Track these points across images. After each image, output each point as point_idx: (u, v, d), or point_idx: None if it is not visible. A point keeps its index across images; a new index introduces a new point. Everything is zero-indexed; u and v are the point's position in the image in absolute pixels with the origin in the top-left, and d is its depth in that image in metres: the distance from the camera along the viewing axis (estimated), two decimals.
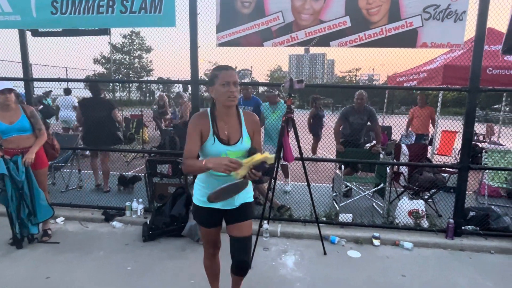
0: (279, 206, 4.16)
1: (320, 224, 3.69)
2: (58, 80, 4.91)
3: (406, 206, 3.87)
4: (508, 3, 3.22)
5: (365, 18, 3.32)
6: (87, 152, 7.23)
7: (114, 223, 3.83)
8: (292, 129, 3.17)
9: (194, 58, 3.59)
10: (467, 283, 2.80)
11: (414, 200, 3.95)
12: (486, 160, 4.72)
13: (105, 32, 4.39)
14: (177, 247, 3.34)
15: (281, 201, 4.38)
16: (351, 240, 3.52)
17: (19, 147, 3.18)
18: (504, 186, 4.60)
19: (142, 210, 3.96)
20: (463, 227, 3.57)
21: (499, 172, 4.61)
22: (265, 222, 3.59)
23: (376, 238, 3.46)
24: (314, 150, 7.72)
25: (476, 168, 3.70)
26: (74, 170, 5.32)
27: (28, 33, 4.11)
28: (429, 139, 7.05)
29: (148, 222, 3.61)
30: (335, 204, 4.49)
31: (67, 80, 8.34)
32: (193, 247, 3.36)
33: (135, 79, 34.67)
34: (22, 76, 4.09)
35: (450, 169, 4.44)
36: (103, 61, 33.38)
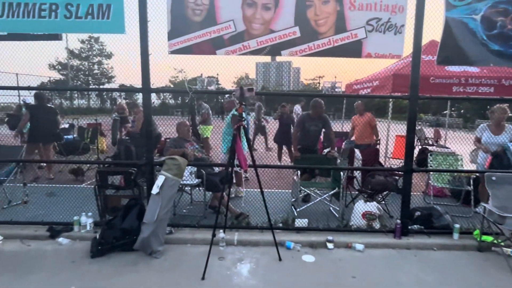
0: (238, 214, 4.15)
1: (277, 230, 3.74)
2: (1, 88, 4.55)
3: (360, 208, 4.02)
4: (440, 18, 3.50)
5: (314, 29, 3.45)
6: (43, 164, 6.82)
7: (61, 239, 3.59)
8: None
9: (145, 66, 3.51)
10: (409, 279, 2.96)
11: (368, 203, 4.11)
12: (431, 162, 5.06)
13: (56, 37, 4.19)
14: (129, 262, 3.19)
15: (240, 209, 4.37)
16: (306, 245, 3.58)
17: None
18: (447, 186, 4.94)
19: (91, 225, 3.76)
20: (409, 227, 3.78)
21: (443, 173, 4.95)
22: (221, 231, 3.55)
23: (330, 241, 3.55)
24: (279, 157, 7.81)
25: (419, 171, 3.95)
26: (18, 184, 4.94)
27: None
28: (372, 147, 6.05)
29: (97, 237, 3.43)
30: (293, 209, 4.56)
31: (10, 88, 7.75)
32: (146, 260, 3.23)
33: (98, 86, 33.17)
34: None
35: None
36: (59, 67, 31.61)
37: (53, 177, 6.22)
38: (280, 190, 5.45)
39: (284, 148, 7.67)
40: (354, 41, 3.46)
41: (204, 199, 4.35)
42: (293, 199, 4.86)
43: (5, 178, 4.80)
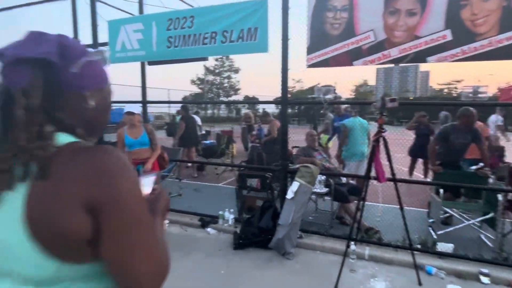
0: (367, 228, 4.00)
1: (414, 252, 3.43)
2: (167, 102, 5.80)
3: None
4: None
5: (470, 30, 3.06)
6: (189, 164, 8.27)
7: (209, 229, 4.24)
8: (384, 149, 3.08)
9: (284, 80, 3.82)
10: None
11: None
12: None
13: (205, 58, 5.00)
14: (265, 258, 3.51)
15: (369, 223, 4.20)
16: (452, 273, 3.16)
17: (140, 158, 3.85)
18: None
19: (232, 220, 4.29)
20: None
21: None
22: (352, 243, 3.50)
23: (485, 275, 3.03)
24: (411, 171, 7.13)
25: None
26: (176, 179, 6.09)
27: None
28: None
29: (238, 232, 3.90)
30: (431, 231, 4.08)
31: (171, 102, 9.73)
32: (279, 260, 3.49)
33: (227, 98, 37.79)
34: (141, 99, 5.03)
35: None
36: (198, 82, 37.31)
37: (197, 176, 7.39)
38: (411, 208, 4.96)
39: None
40: None
41: (331, 208, 4.38)
42: (431, 220, 4.34)
43: (167, 174, 6.00)
